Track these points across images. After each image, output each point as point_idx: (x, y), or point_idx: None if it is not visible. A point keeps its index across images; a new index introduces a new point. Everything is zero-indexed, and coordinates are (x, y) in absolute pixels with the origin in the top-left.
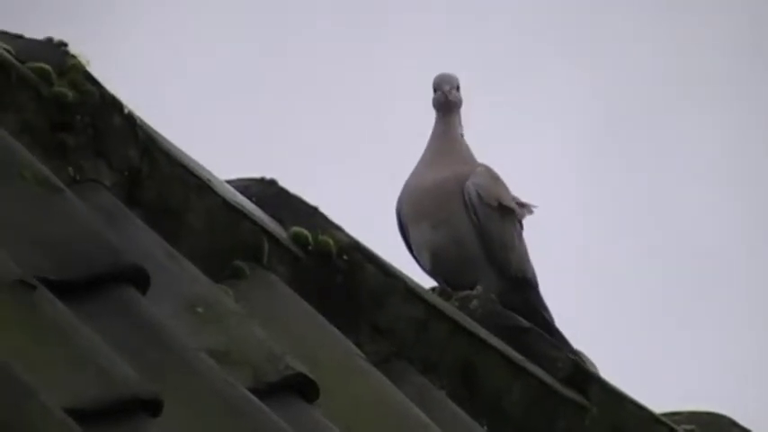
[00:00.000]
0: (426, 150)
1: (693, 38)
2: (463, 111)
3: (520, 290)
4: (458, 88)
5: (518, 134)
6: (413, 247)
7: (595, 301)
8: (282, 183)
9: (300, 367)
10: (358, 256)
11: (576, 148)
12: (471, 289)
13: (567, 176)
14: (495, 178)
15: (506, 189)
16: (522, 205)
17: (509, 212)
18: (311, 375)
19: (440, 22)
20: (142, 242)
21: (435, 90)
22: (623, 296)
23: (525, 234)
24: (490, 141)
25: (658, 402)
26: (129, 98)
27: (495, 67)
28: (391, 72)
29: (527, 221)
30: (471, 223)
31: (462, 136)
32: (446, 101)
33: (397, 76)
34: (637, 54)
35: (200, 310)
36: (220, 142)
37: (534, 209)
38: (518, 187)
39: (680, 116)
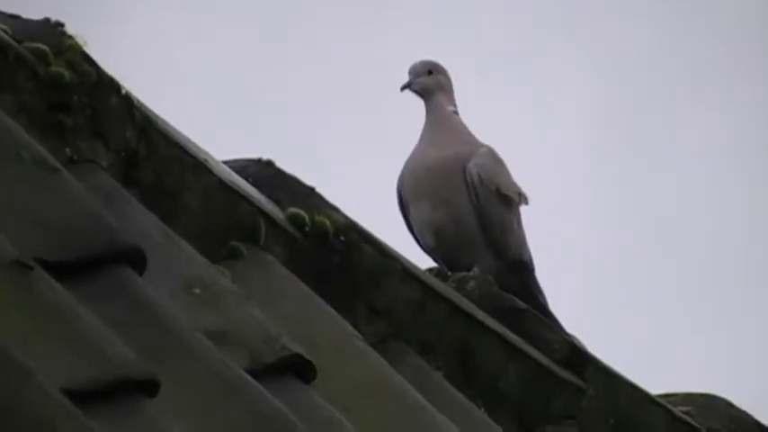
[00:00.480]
0: (425, 130)
1: (701, 24)
2: (456, 88)
3: (517, 272)
4: (430, 72)
5: (520, 119)
6: (413, 226)
7: (590, 287)
8: (279, 163)
9: (297, 348)
10: (355, 236)
11: (576, 135)
12: (468, 270)
13: (568, 162)
14: (497, 160)
15: (508, 172)
16: (520, 194)
17: (510, 195)
18: (308, 356)
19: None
20: (139, 223)
21: None
22: (619, 283)
23: (524, 219)
24: (492, 125)
25: (654, 385)
26: (126, 79)
27: (498, 50)
28: (388, 53)
29: (526, 207)
30: (471, 204)
31: (456, 113)
32: (411, 90)
33: (394, 57)
34: (641, 39)
35: (197, 290)
36: (218, 123)
37: (528, 201)
38: (520, 172)
39: (685, 105)
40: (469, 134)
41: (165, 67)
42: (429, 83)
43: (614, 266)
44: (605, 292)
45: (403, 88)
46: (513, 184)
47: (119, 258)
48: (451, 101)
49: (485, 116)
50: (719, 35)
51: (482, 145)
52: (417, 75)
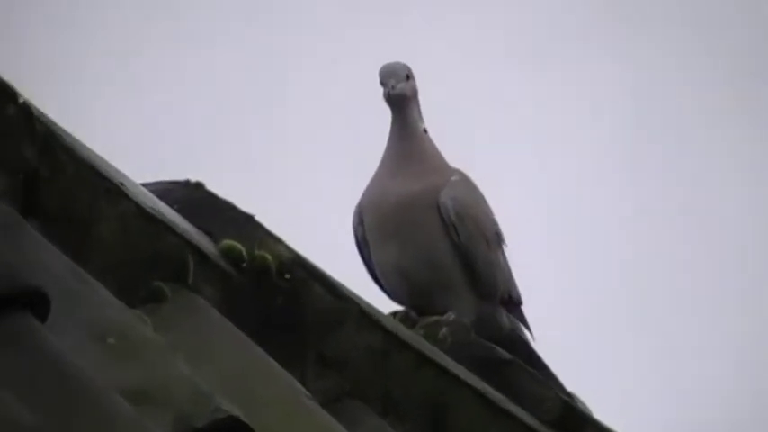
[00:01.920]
0: (386, 154)
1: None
2: (422, 101)
3: (502, 314)
4: (408, 77)
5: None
6: (376, 270)
7: (598, 331)
8: (210, 186)
9: (233, 409)
10: (302, 273)
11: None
12: (441, 315)
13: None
14: (472, 188)
15: (484, 200)
16: (498, 234)
17: (492, 227)
18: (246, 419)
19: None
20: (41, 259)
21: (382, 84)
22: (635, 325)
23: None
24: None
25: None
26: (29, 88)
27: (515, 51)
28: (342, 60)
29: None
30: (450, 243)
31: (425, 131)
32: (389, 97)
33: (349, 64)
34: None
35: (111, 340)
36: (136, 141)
37: (505, 246)
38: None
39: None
40: (440, 158)
41: (74, 75)
42: (407, 89)
43: (631, 300)
44: (618, 338)
45: (390, 94)
46: (493, 222)
47: (16, 302)
48: (420, 114)
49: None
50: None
51: (453, 171)
52: (398, 78)
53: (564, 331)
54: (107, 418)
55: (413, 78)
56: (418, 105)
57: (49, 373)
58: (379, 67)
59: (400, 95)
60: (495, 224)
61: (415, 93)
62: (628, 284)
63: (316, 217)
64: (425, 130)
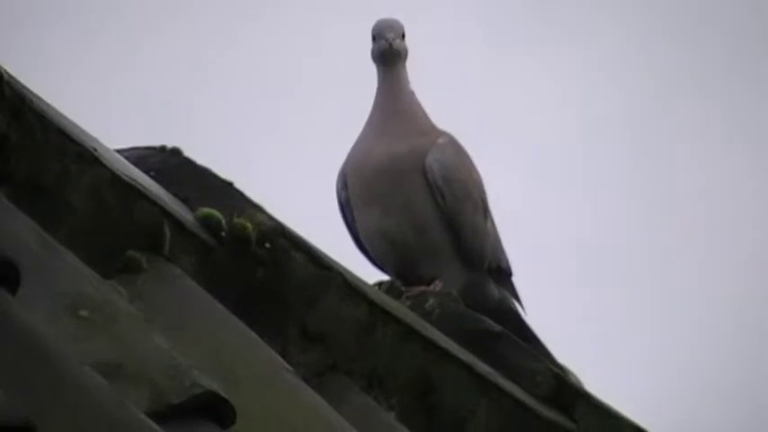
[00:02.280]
0: (372, 114)
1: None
2: (410, 64)
3: (491, 283)
4: (403, 36)
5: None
6: (360, 235)
7: (592, 300)
8: (188, 152)
9: (211, 384)
10: (283, 242)
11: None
12: (428, 284)
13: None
14: (459, 152)
15: (473, 165)
16: (483, 200)
17: (480, 191)
18: (225, 394)
19: None
20: (10, 228)
21: (375, 39)
22: (630, 293)
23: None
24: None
25: (661, 425)
26: None
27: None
28: (319, 25)
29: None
30: (436, 207)
31: (414, 93)
32: (390, 50)
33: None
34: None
35: (84, 312)
36: (111, 106)
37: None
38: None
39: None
40: (427, 120)
41: (47, 39)
42: (404, 47)
43: (625, 270)
44: (612, 306)
45: (390, 46)
46: (479, 185)
47: None
48: (407, 76)
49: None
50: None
51: (440, 133)
52: (397, 33)
53: (555, 303)
54: (81, 393)
55: (404, 38)
56: (406, 68)
57: (19, 348)
58: (372, 24)
59: (399, 50)
60: (482, 190)
61: (407, 53)
62: (620, 257)
63: (298, 183)
64: (413, 92)
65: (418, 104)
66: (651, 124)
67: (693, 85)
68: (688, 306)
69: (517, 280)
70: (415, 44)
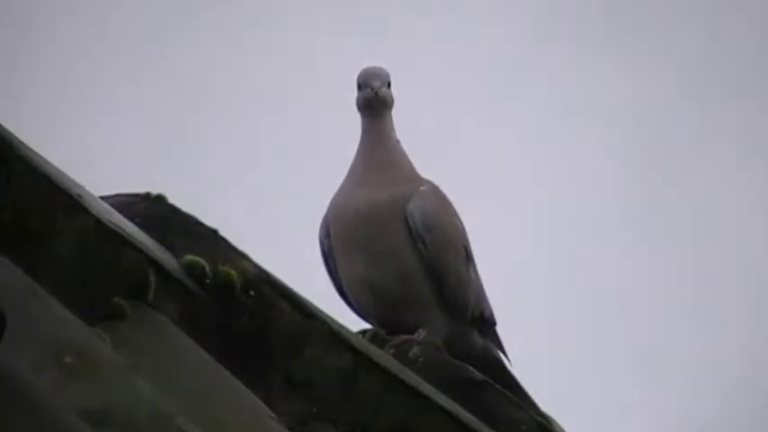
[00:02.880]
0: (355, 162)
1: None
2: (395, 113)
3: (475, 332)
4: (389, 85)
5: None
6: (343, 284)
7: (572, 350)
8: (172, 199)
9: (195, 431)
10: (268, 290)
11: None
12: (412, 333)
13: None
14: (441, 199)
15: (455, 213)
16: (466, 248)
17: (462, 239)
18: None
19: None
20: None
21: (361, 87)
22: (613, 342)
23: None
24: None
25: None
26: None
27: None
28: (314, 70)
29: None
30: (417, 255)
31: (399, 142)
32: (375, 98)
33: (322, 75)
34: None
35: (68, 360)
36: (96, 153)
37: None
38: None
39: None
40: (411, 168)
41: (32, 87)
42: (388, 97)
43: (608, 319)
44: (597, 354)
45: (378, 95)
46: (462, 233)
47: None
48: (393, 126)
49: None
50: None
51: (423, 181)
52: (383, 81)
53: (539, 352)
54: None
55: (390, 87)
56: (391, 116)
57: (4, 394)
58: (355, 74)
59: (385, 99)
60: (464, 238)
61: (393, 102)
62: (606, 305)
63: (283, 231)
64: (398, 141)
65: (403, 153)
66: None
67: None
68: (679, 358)
69: (504, 329)
70: (410, 89)
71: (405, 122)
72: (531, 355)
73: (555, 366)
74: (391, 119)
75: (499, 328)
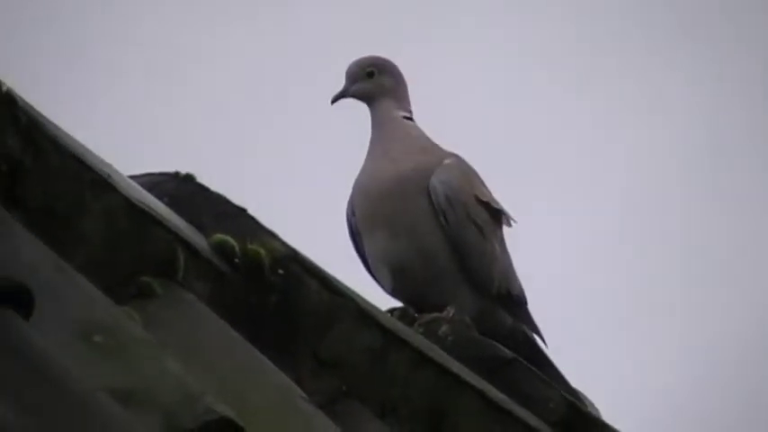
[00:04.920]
0: (372, 143)
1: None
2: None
3: (503, 310)
4: (371, 74)
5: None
6: (368, 261)
7: (605, 324)
8: (202, 178)
9: (225, 410)
10: (297, 269)
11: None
12: (440, 311)
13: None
14: (466, 172)
15: (483, 186)
16: (501, 212)
17: (488, 214)
18: (238, 420)
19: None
20: (25, 253)
21: None
22: (649, 316)
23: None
24: None
25: None
26: (13, 76)
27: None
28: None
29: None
30: (440, 230)
31: (410, 118)
32: (347, 97)
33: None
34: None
35: (97, 338)
36: (126, 132)
37: (513, 223)
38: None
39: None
40: (429, 142)
41: (61, 64)
42: (368, 88)
43: (644, 295)
44: (630, 328)
45: (334, 100)
46: (492, 200)
47: None
48: (402, 104)
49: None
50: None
51: (447, 154)
52: (354, 79)
53: (573, 327)
54: (94, 420)
55: (384, 73)
56: (395, 96)
57: (33, 373)
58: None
59: (358, 96)
60: (491, 213)
61: (382, 88)
62: (641, 278)
63: (312, 209)
64: (409, 118)
65: (414, 126)
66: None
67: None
68: (711, 335)
69: (542, 308)
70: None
71: (473, 122)
72: (567, 332)
73: (591, 344)
74: (392, 100)
75: (536, 309)
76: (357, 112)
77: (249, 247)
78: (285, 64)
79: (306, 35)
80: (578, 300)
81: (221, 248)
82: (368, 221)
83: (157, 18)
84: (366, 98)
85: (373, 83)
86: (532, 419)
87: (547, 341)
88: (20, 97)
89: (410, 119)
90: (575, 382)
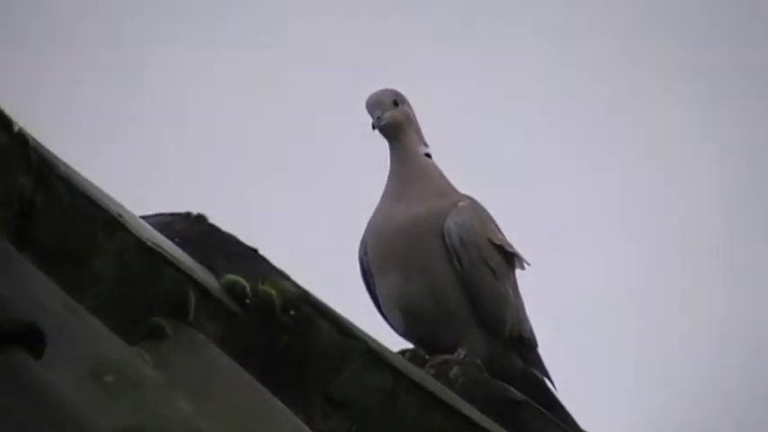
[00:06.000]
0: (390, 180)
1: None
2: (423, 123)
3: (514, 353)
4: (395, 103)
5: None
6: (380, 302)
7: (613, 369)
8: (213, 219)
9: None
10: (308, 310)
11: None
12: (451, 353)
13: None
14: (480, 215)
15: (496, 229)
16: (515, 255)
17: (501, 257)
18: None
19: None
20: (35, 293)
21: (370, 116)
22: (653, 361)
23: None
24: None
25: None
26: (24, 117)
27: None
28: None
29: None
30: (454, 272)
31: (428, 155)
32: (380, 127)
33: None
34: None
35: (109, 378)
36: (137, 172)
37: (527, 265)
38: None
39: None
40: (446, 182)
41: (72, 105)
42: (397, 116)
43: (648, 338)
44: (636, 373)
45: (376, 126)
46: (506, 244)
47: (9, 338)
48: (421, 138)
49: None
50: None
51: (461, 196)
52: (384, 108)
53: (581, 370)
54: None
55: (404, 103)
56: (417, 129)
57: (44, 413)
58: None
59: (389, 124)
60: (504, 256)
61: (407, 117)
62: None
63: (323, 250)
64: (429, 155)
65: (435, 167)
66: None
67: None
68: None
69: (549, 352)
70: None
71: (497, 154)
72: (578, 376)
73: (601, 387)
74: (415, 132)
75: (546, 352)
76: (370, 152)
77: (260, 287)
78: (298, 102)
79: (325, 74)
80: (588, 343)
81: (232, 289)
82: (381, 262)
83: (166, 55)
84: (393, 128)
85: (399, 112)
86: None
87: (557, 384)
88: (31, 137)
89: (428, 155)
90: (585, 425)
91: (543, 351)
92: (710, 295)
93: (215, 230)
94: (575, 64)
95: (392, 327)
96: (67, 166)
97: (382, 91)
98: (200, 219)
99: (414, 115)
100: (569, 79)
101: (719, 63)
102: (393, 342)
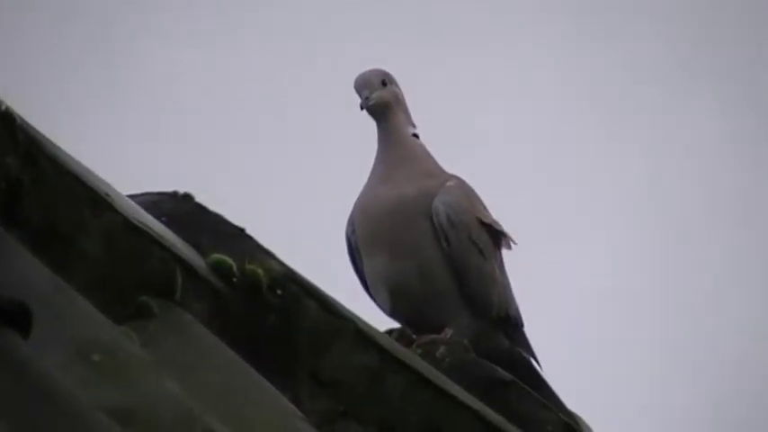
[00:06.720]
0: (376, 161)
1: None
2: (410, 101)
3: (501, 333)
4: (384, 83)
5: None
6: (367, 281)
7: (600, 349)
8: (200, 198)
9: (222, 430)
10: (295, 289)
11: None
12: (438, 332)
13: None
14: (468, 194)
15: (483, 208)
16: (502, 233)
17: (489, 236)
18: None
19: None
20: (23, 272)
21: (358, 95)
22: (638, 341)
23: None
24: None
25: None
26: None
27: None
28: (333, 66)
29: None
30: (441, 251)
31: (416, 135)
32: (368, 107)
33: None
34: None
35: (96, 357)
36: (125, 152)
37: (513, 244)
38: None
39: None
40: (434, 163)
41: (59, 82)
42: (385, 96)
43: (633, 318)
44: (621, 353)
45: (364, 106)
46: (494, 222)
47: None
48: (409, 119)
49: None
50: None
51: (449, 176)
52: (372, 87)
53: (567, 349)
54: None
55: (392, 83)
56: (405, 110)
57: (31, 392)
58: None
59: (377, 104)
60: (492, 236)
61: (396, 97)
62: (635, 302)
63: (310, 229)
64: (416, 135)
65: (422, 148)
66: None
67: None
68: (704, 358)
69: (535, 332)
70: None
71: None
72: (562, 355)
73: (586, 367)
74: (403, 113)
75: (531, 331)
76: (357, 131)
77: (247, 266)
78: (284, 83)
79: (309, 55)
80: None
81: (219, 268)
82: (368, 241)
83: (156, 37)
84: (381, 108)
85: (388, 92)
86: None
87: (542, 364)
88: (19, 116)
89: (416, 135)
90: (571, 404)
91: (536, 334)
92: (702, 286)
93: (202, 209)
94: (575, 58)
95: (379, 306)
96: (55, 145)
97: (371, 71)
98: (187, 198)
99: (402, 95)
100: (569, 76)
101: (719, 63)
102: (380, 321)
